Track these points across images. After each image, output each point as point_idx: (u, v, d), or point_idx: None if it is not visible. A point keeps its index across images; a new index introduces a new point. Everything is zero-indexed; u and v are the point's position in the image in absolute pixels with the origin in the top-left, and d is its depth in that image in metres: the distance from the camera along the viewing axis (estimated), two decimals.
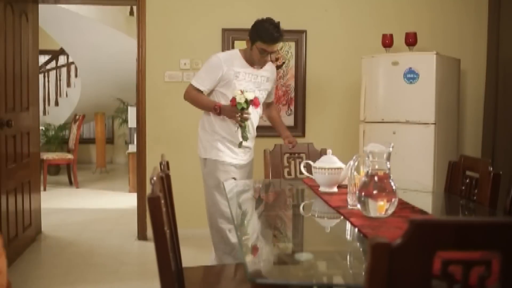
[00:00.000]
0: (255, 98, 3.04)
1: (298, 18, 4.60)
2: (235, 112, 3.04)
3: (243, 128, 3.10)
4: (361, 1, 4.65)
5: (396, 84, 4.11)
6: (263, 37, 3.07)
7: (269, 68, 3.34)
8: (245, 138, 3.12)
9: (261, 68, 3.24)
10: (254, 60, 3.17)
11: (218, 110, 3.10)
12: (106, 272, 3.71)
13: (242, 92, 3.00)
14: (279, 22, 3.12)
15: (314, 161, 3.06)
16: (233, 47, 4.55)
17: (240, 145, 3.16)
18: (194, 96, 3.23)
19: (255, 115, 3.23)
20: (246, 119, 3.06)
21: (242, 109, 3.01)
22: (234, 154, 3.20)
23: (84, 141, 9.15)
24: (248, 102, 3.01)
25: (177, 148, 4.55)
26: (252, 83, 3.19)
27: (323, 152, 3.41)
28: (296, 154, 3.43)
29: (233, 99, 3.03)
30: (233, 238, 3.13)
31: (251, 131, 3.24)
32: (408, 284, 0.99)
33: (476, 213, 2.36)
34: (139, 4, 4.46)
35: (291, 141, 3.38)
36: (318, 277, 1.47)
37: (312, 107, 4.68)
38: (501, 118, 4.33)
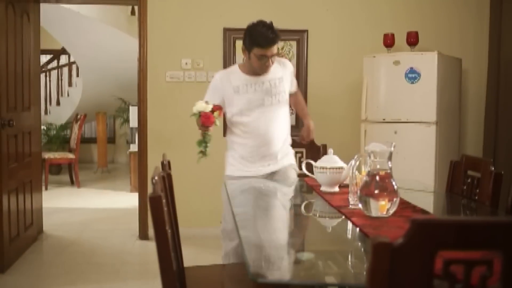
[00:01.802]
0: (204, 113, 2.75)
1: (300, 17, 4.60)
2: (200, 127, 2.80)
3: (201, 141, 2.84)
4: (362, 1, 4.65)
5: (397, 83, 4.11)
6: (258, 42, 2.82)
7: (278, 66, 3.02)
8: (203, 152, 2.83)
9: (266, 73, 2.95)
10: (255, 69, 2.91)
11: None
12: (108, 272, 3.71)
13: (199, 102, 2.79)
14: (271, 22, 2.88)
15: (314, 156, 3.06)
16: (234, 47, 4.55)
17: (198, 160, 2.86)
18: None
19: (281, 115, 3.01)
20: (204, 130, 2.81)
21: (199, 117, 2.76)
22: (246, 168, 3.00)
23: (86, 140, 9.15)
24: (199, 114, 2.75)
25: (179, 147, 4.54)
26: (259, 92, 2.93)
27: (323, 148, 3.41)
28: (296, 149, 3.42)
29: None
30: (232, 258, 2.94)
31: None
32: (409, 283, 0.99)
33: (478, 212, 2.35)
34: (141, 3, 4.46)
35: (304, 137, 3.15)
36: (320, 277, 1.47)
37: (314, 106, 4.67)
38: (502, 118, 4.33)
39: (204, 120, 2.74)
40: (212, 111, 2.74)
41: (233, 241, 2.87)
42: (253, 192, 2.85)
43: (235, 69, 3.06)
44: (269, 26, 2.85)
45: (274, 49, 2.86)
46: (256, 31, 2.87)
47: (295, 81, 3.24)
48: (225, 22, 4.54)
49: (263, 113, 2.93)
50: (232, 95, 2.94)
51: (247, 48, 2.92)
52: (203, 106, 2.73)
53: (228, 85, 2.95)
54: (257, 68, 2.91)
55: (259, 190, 2.90)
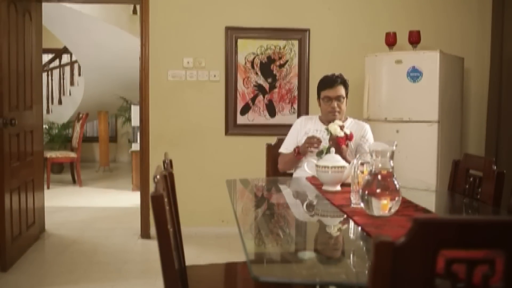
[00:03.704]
0: (341, 138, 2.88)
1: (301, 16, 4.60)
2: (306, 141, 2.98)
3: (320, 152, 2.87)
4: (364, 0, 4.65)
5: (399, 82, 4.10)
6: (323, 82, 3.13)
7: (354, 126, 3.18)
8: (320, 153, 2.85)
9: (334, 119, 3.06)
10: (324, 115, 3.15)
11: (297, 150, 3.06)
12: (109, 270, 3.72)
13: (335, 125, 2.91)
14: (341, 74, 3.16)
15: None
16: (236, 46, 4.55)
17: (319, 154, 2.87)
18: (281, 160, 3.23)
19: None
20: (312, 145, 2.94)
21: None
22: None
23: (88, 139, 9.17)
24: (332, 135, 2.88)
25: (180, 146, 4.55)
26: (325, 141, 2.99)
27: None
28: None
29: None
30: None
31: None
32: (411, 283, 0.99)
33: (480, 211, 2.35)
34: (142, 2, 4.46)
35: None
36: (321, 276, 1.47)
37: (315, 105, 4.66)
38: (504, 117, 4.32)
39: (340, 141, 2.92)
40: (346, 137, 2.92)
41: None
42: (257, 191, 2.86)
43: (314, 117, 3.32)
44: (336, 74, 3.15)
45: (337, 90, 3.09)
46: (323, 77, 3.17)
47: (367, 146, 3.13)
48: (227, 21, 4.54)
49: None
50: (302, 137, 3.15)
51: (318, 94, 3.20)
52: (337, 130, 2.91)
53: (303, 128, 3.23)
54: (325, 112, 3.14)
55: (262, 189, 2.90)
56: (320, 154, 2.84)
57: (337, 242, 1.87)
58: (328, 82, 3.11)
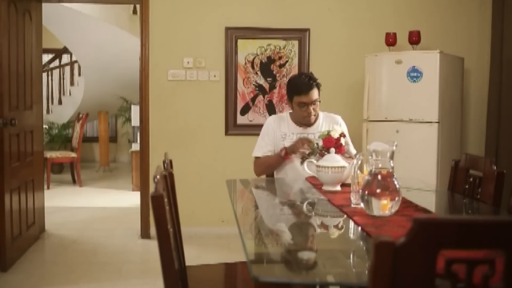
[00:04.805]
0: (329, 137, 2.81)
1: (301, 16, 4.60)
2: (298, 142, 2.89)
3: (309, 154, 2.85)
4: (364, 0, 4.64)
5: (399, 82, 4.10)
6: (296, 88, 2.97)
7: (328, 122, 3.11)
8: (313, 152, 2.84)
9: (312, 125, 3.07)
10: (299, 118, 3.04)
11: (284, 151, 2.93)
12: (109, 271, 3.72)
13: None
14: (311, 72, 3.03)
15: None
16: (236, 46, 4.55)
17: (302, 161, 2.84)
18: (261, 163, 3.09)
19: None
20: (307, 150, 2.84)
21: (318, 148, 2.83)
22: None
23: (88, 139, 9.17)
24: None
25: (181, 146, 4.55)
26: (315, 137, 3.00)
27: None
28: None
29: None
30: None
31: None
32: (411, 283, 0.99)
33: (480, 211, 2.35)
34: (142, 2, 4.46)
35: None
36: (321, 276, 1.47)
37: None
38: (504, 117, 4.32)
39: (325, 142, 2.83)
40: (338, 138, 2.84)
41: None
42: (257, 192, 2.86)
43: (285, 116, 3.17)
44: (307, 75, 3.03)
45: (313, 95, 2.97)
46: (294, 80, 3.04)
47: (348, 144, 3.11)
48: (227, 21, 4.54)
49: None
50: (279, 141, 3.06)
51: (289, 98, 3.05)
52: (333, 132, 2.84)
53: (278, 130, 3.09)
54: (300, 117, 3.03)
55: (262, 189, 2.90)
56: (312, 153, 2.82)
57: (337, 242, 1.87)
58: (303, 87, 2.95)
